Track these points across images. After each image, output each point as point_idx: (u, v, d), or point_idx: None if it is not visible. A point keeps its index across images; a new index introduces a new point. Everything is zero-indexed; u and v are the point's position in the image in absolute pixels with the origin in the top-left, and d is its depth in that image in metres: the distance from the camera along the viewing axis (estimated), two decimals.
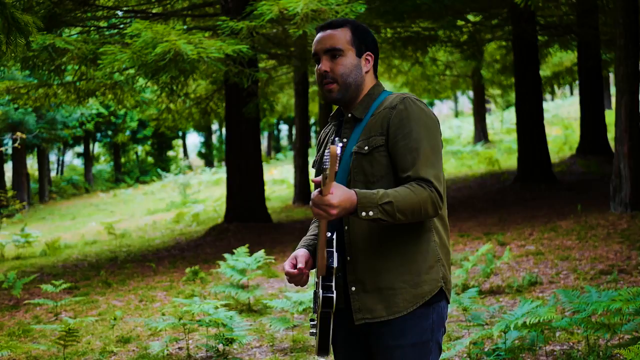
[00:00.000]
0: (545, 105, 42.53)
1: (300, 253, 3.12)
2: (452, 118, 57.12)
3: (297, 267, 3.04)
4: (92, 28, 14.80)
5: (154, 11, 15.83)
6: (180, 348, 7.02)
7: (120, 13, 15.60)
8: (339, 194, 2.72)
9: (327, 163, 2.56)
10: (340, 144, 2.99)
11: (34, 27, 4.74)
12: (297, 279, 3.05)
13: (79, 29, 14.71)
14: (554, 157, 20.94)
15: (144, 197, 33.10)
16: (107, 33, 14.60)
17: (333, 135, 3.21)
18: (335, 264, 2.94)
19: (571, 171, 18.30)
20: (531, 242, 10.49)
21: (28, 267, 13.66)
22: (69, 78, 14.83)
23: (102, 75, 12.80)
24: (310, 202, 2.75)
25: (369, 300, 2.99)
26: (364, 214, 2.78)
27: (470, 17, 18.62)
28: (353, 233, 3.01)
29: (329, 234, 2.95)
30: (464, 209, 14.87)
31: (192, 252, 13.71)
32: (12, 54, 11.52)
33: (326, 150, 2.56)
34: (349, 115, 3.12)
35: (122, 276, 11.58)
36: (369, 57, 3.13)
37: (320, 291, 2.95)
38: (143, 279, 11.15)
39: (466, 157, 26.57)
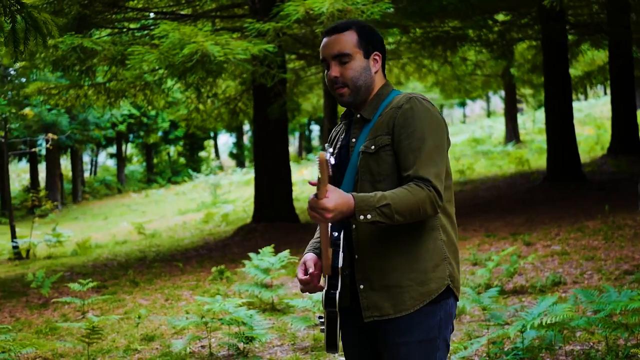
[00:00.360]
0: (578, 104, 42.19)
1: (309, 257, 3.14)
2: (484, 118, 56.83)
3: (309, 272, 3.07)
4: (123, 30, 14.96)
5: (183, 12, 15.96)
6: (202, 346, 7.09)
7: (151, 15, 15.75)
8: (335, 198, 2.73)
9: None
10: (331, 150, 3.02)
11: (54, 26, 4.77)
12: (310, 287, 3.08)
13: (108, 30, 14.87)
14: (586, 157, 20.75)
15: (175, 198, 33.36)
16: (137, 34, 14.74)
17: (343, 135, 3.24)
18: (340, 264, 2.97)
19: (601, 171, 18.11)
20: (557, 242, 10.42)
21: (58, 266, 13.84)
22: (100, 79, 14.99)
23: (131, 75, 12.93)
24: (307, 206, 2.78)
25: (377, 298, 3.01)
26: (362, 217, 2.79)
27: (500, 17, 18.50)
28: (361, 232, 3.03)
29: (335, 234, 2.99)
30: (492, 209, 14.80)
31: (220, 252, 13.81)
32: (42, 55, 11.77)
33: (316, 157, 2.60)
34: (358, 115, 3.14)
35: (150, 275, 11.70)
36: (376, 57, 3.14)
37: (325, 290, 2.98)
38: (170, 278, 11.25)
39: (496, 157, 26.44)
